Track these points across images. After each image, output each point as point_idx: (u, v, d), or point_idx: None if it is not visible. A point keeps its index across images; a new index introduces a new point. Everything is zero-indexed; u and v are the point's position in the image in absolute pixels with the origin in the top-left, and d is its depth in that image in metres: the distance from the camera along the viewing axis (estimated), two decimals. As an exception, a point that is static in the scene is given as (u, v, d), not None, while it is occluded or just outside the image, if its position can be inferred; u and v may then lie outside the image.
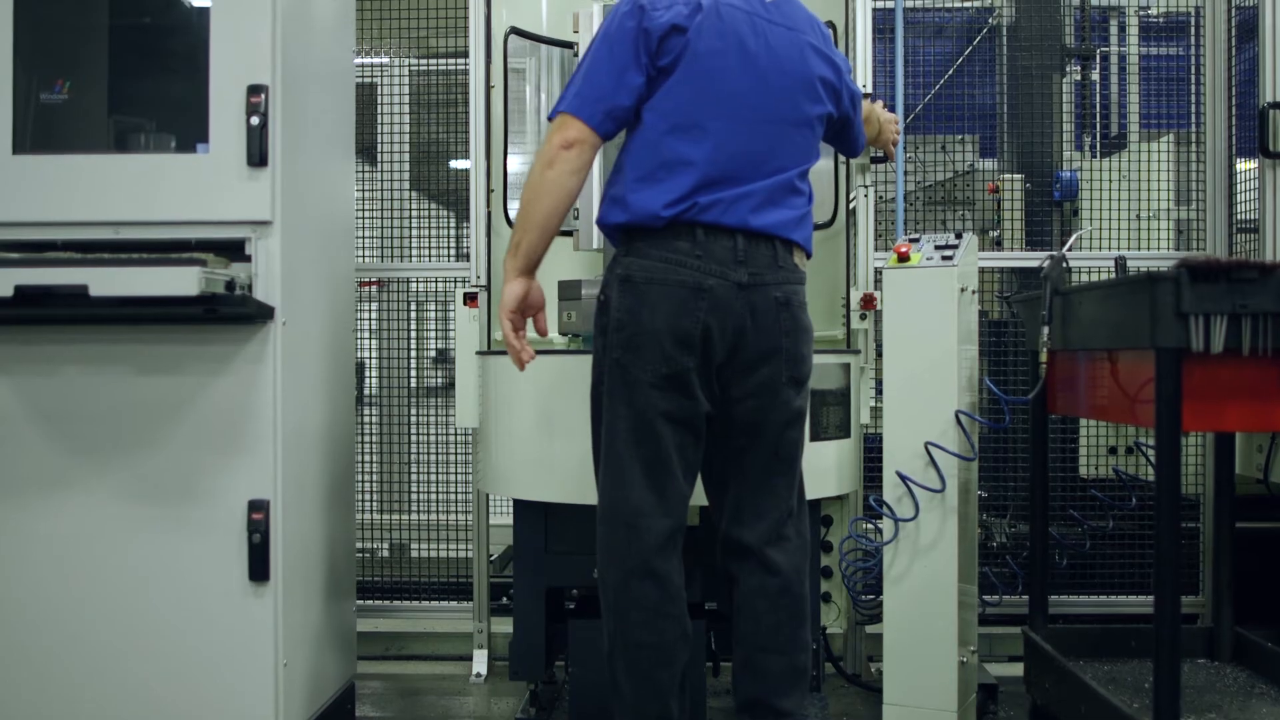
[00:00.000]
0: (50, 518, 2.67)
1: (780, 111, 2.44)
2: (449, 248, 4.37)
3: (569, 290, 3.12)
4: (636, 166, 2.41)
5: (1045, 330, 2.89)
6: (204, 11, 2.63)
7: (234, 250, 2.65)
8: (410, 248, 4.25)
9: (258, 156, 2.60)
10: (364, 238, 4.14)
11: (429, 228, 4.27)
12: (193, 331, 2.65)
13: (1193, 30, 4.51)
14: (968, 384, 3.02)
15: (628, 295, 2.38)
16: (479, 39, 3.49)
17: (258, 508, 2.63)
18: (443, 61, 4.34)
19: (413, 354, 4.40)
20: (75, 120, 2.79)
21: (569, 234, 3.42)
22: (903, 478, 2.96)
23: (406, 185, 4.32)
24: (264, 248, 2.65)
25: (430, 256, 4.23)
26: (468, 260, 3.67)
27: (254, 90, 2.60)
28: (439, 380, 4.90)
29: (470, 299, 3.42)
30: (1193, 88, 4.29)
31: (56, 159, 2.66)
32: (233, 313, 2.57)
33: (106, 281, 2.39)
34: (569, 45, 3.55)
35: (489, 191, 3.47)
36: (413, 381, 4.40)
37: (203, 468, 2.65)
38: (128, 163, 2.67)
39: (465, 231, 3.73)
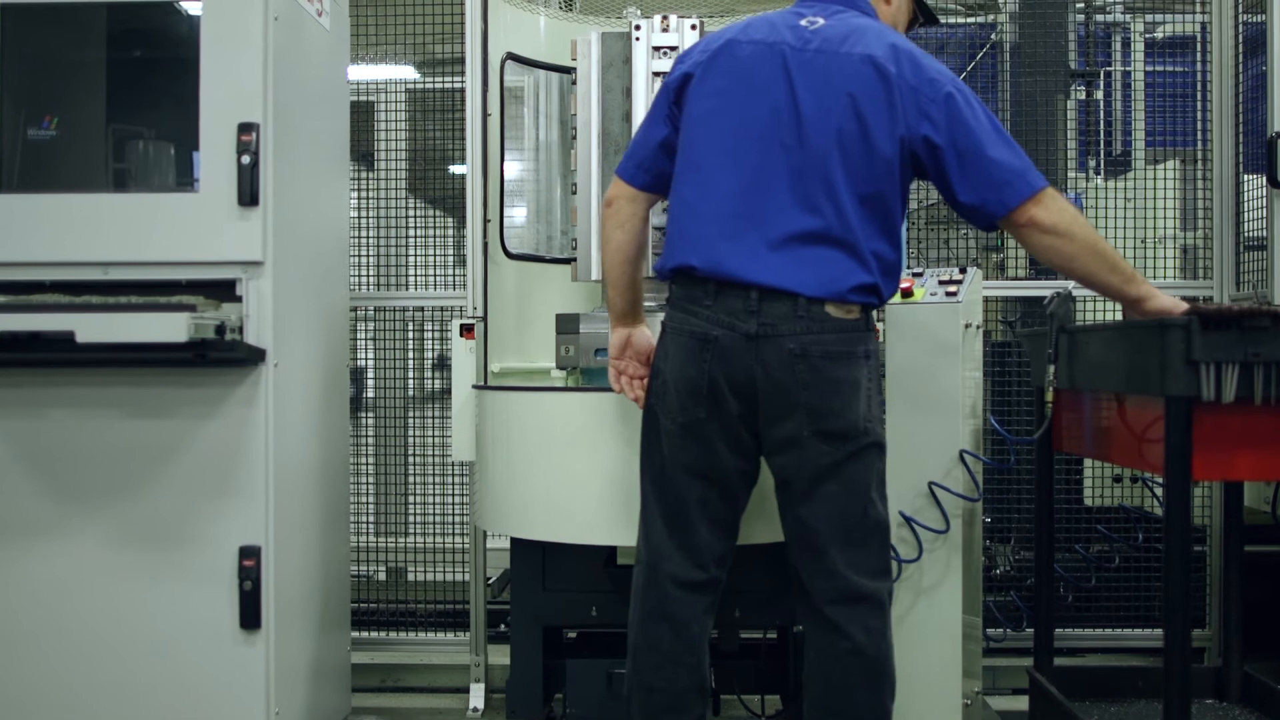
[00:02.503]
0: (37, 563, 2.63)
1: (810, 141, 2.25)
2: (450, 253, 4.31)
3: (567, 324, 3.07)
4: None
5: (1051, 369, 2.83)
6: (197, 48, 2.58)
7: (225, 290, 2.61)
8: (409, 253, 4.20)
9: (249, 196, 2.56)
10: (360, 238, 4.09)
11: (428, 239, 4.21)
12: (183, 374, 2.61)
13: (1198, 46, 4.47)
14: (971, 410, 2.98)
15: (662, 344, 2.40)
16: (475, 67, 3.43)
17: (249, 554, 2.58)
18: (441, 71, 4.29)
19: (411, 364, 4.36)
20: (63, 157, 2.75)
21: (571, 260, 3.36)
22: (906, 518, 2.91)
23: (404, 190, 4.27)
24: (255, 288, 2.60)
25: (429, 277, 4.18)
26: (465, 264, 3.59)
27: (245, 129, 2.56)
28: (439, 385, 4.84)
29: (467, 330, 3.37)
30: (1198, 104, 4.24)
31: (44, 198, 2.62)
32: (223, 357, 2.52)
33: (94, 327, 2.36)
34: (567, 70, 3.49)
35: (485, 221, 3.41)
36: (412, 399, 4.35)
37: (193, 513, 2.61)
38: (117, 202, 2.63)
39: (464, 236, 3.65)
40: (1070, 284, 3.07)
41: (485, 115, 3.42)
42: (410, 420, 4.36)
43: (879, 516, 2.33)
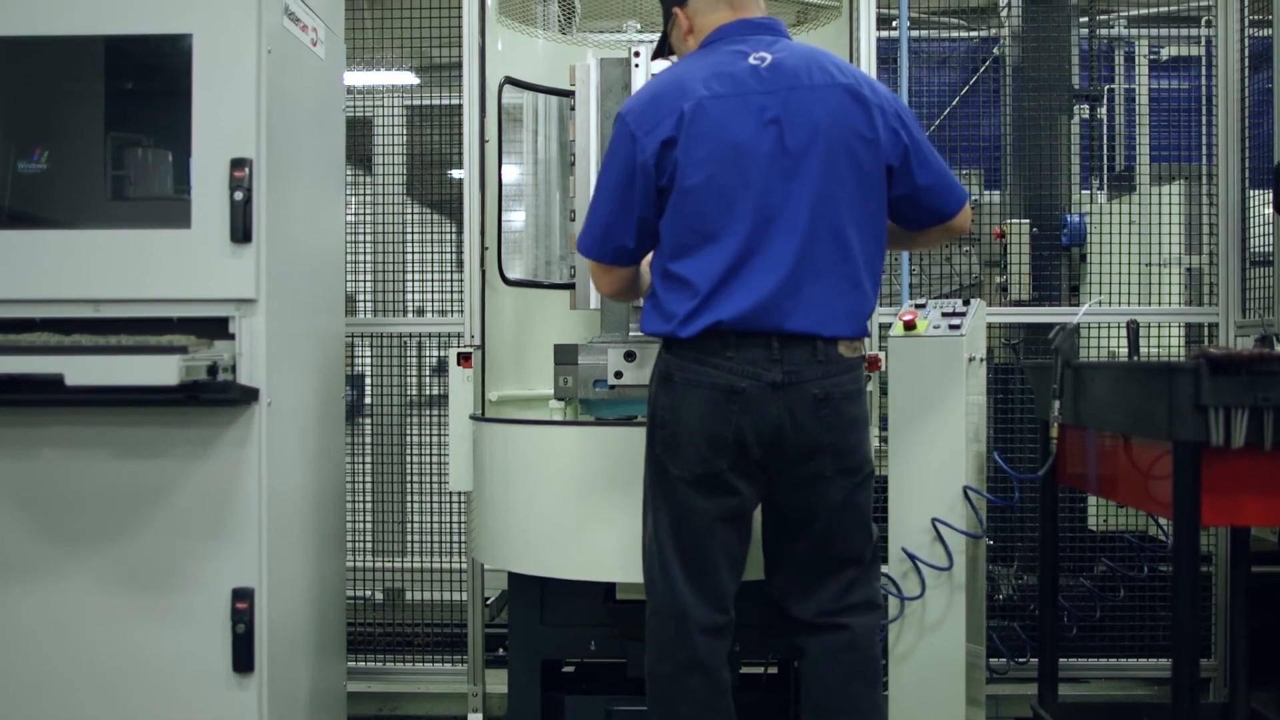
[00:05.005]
0: (26, 606, 2.60)
1: (809, 182, 2.27)
2: (449, 253, 4.28)
3: (565, 355, 3.03)
4: (658, 283, 2.37)
5: (1056, 405, 2.80)
6: (190, 81, 2.54)
7: (218, 326, 2.58)
8: (407, 253, 4.19)
9: (241, 233, 2.52)
10: (359, 240, 4.05)
11: (426, 242, 4.19)
12: (174, 414, 2.57)
13: (1203, 60, 4.43)
14: (974, 435, 2.94)
15: (668, 393, 2.35)
16: (472, 92, 3.38)
17: (242, 596, 2.55)
18: (441, 79, 4.26)
19: (410, 376, 4.32)
20: (55, 190, 2.70)
21: (570, 286, 3.32)
22: (909, 555, 2.87)
23: (403, 192, 4.24)
24: (248, 326, 2.57)
25: (427, 298, 4.15)
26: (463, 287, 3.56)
27: (237, 164, 2.52)
28: (439, 391, 4.81)
29: (464, 359, 3.32)
30: (1203, 120, 4.20)
31: (35, 234, 2.59)
32: (215, 398, 2.49)
33: (83, 370, 2.32)
34: (567, 93, 3.45)
35: (483, 249, 3.36)
36: (411, 401, 4.32)
37: (185, 554, 2.57)
38: (109, 238, 2.58)
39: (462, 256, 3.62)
40: (1076, 317, 3.05)
41: (483, 141, 3.37)
42: (408, 435, 4.32)
43: (876, 532, 2.47)
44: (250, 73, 2.54)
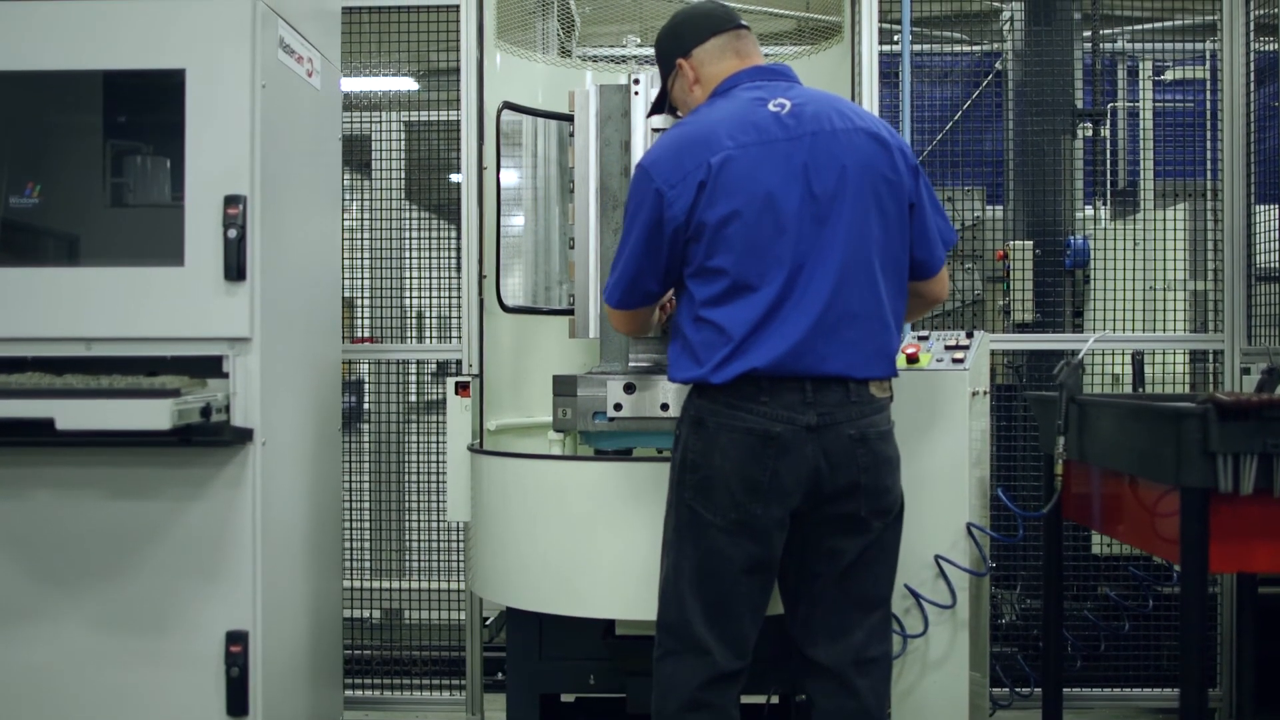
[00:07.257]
0: (17, 648, 2.56)
1: (831, 232, 2.26)
2: (451, 256, 4.26)
3: (564, 386, 2.99)
4: (689, 329, 2.33)
5: (1061, 441, 2.76)
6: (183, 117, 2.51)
7: (212, 365, 2.54)
8: (408, 256, 4.21)
9: (235, 271, 2.49)
10: (358, 240, 4.06)
11: (424, 244, 4.18)
12: (168, 454, 2.54)
13: (1207, 75, 4.39)
14: (976, 460, 2.91)
15: (699, 438, 2.32)
16: (471, 119, 3.35)
17: (236, 639, 2.51)
18: (442, 83, 4.23)
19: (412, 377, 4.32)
20: (46, 227, 2.66)
21: (569, 312, 3.29)
22: (912, 592, 2.84)
23: (402, 196, 4.24)
24: (242, 365, 2.53)
25: (426, 303, 4.13)
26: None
27: (231, 201, 2.49)
28: (438, 394, 4.81)
29: (462, 388, 3.28)
30: (1208, 134, 4.16)
31: (27, 271, 2.55)
32: (209, 440, 2.45)
33: (74, 414, 2.29)
34: (566, 118, 3.41)
35: (481, 277, 3.33)
36: (412, 428, 4.30)
37: (178, 596, 2.54)
38: (101, 276, 2.55)
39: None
40: (1081, 351, 3.01)
41: (480, 168, 3.34)
42: (407, 444, 4.29)
43: (893, 582, 2.44)
44: (244, 108, 2.50)
